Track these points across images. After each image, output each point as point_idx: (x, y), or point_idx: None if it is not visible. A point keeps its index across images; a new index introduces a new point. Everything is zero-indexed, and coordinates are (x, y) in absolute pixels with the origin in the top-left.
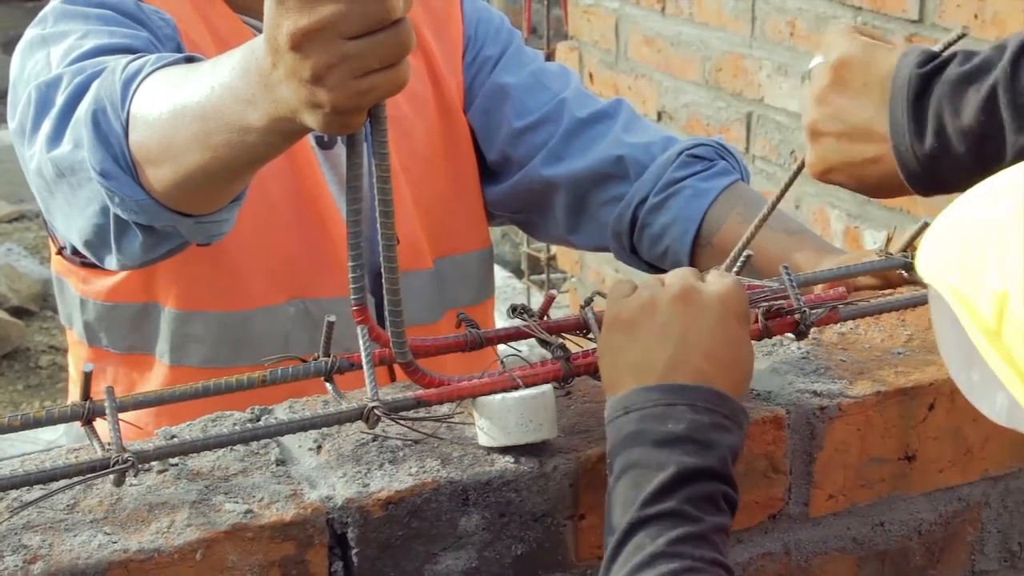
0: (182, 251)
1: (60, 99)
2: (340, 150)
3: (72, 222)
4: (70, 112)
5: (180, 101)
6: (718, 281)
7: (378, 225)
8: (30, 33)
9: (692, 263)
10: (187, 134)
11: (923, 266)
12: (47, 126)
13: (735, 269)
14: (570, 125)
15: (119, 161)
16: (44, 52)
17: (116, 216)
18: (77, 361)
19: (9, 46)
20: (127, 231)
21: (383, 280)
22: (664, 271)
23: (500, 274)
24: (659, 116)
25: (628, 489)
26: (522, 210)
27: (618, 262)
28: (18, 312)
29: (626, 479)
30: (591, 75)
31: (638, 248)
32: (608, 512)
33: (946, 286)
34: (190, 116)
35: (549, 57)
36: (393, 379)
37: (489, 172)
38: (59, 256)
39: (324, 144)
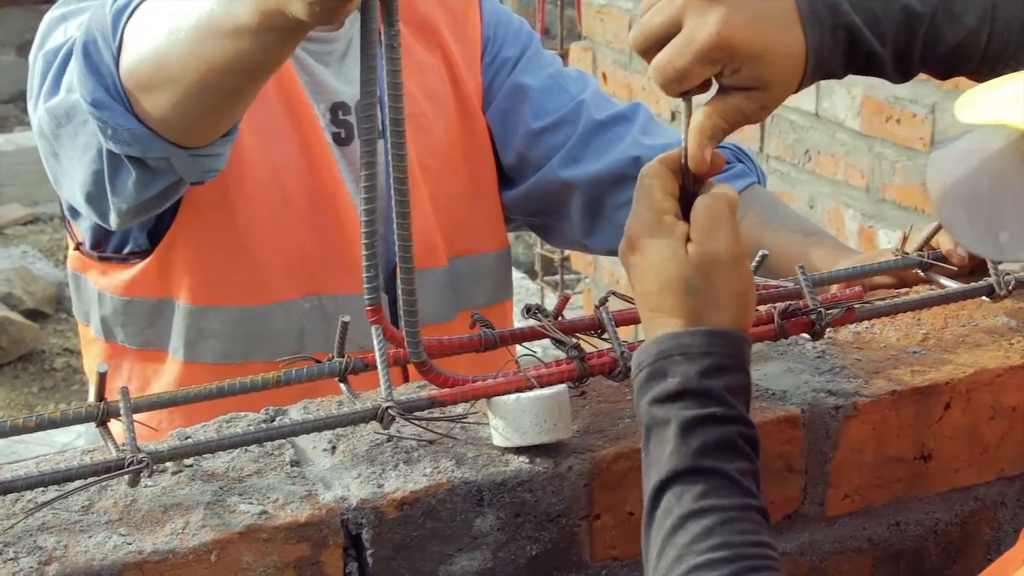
0: (177, 194)
1: (60, 56)
2: (356, 146)
3: (75, 177)
4: (67, 63)
5: (172, 20)
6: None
7: (394, 225)
8: (51, 14)
9: None
10: (181, 50)
11: (968, 113)
12: (47, 83)
13: (751, 268)
14: (588, 127)
15: (110, 91)
16: (62, 28)
17: (110, 153)
18: (91, 359)
19: (24, 48)
20: (120, 168)
21: (399, 280)
22: None
23: (514, 275)
24: (672, 116)
25: (647, 453)
26: (538, 213)
27: None
28: (33, 315)
29: (646, 442)
30: (605, 75)
31: None
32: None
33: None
34: (183, 31)
35: (562, 57)
36: (406, 380)
37: (505, 176)
38: (77, 252)
39: (341, 141)
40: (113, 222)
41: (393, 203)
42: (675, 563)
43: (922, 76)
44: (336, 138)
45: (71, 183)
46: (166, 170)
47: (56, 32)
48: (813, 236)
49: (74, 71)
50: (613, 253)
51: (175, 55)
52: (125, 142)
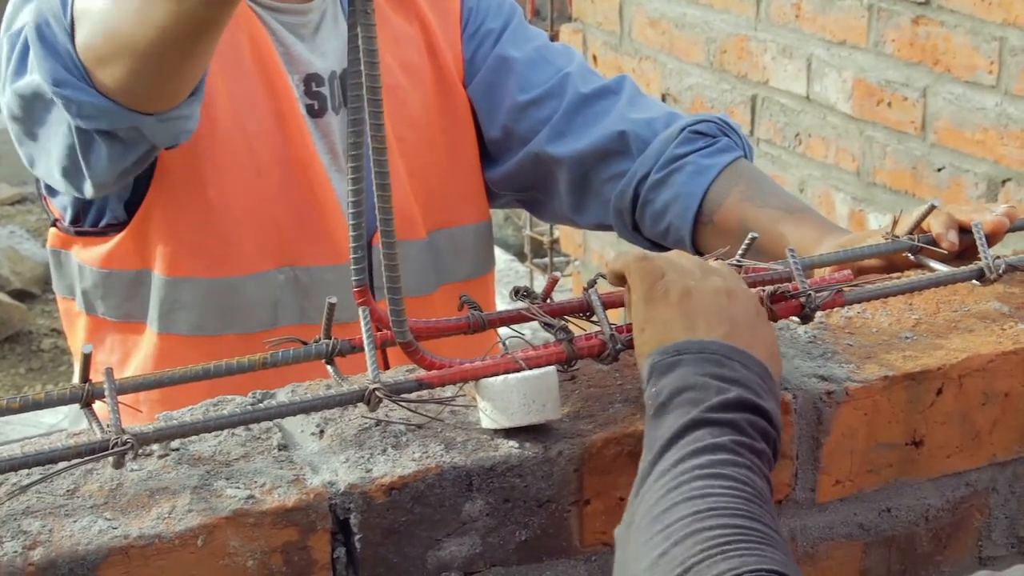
0: (151, 159)
1: (22, 37)
2: (330, 118)
3: (50, 155)
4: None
5: None
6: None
7: (375, 199)
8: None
9: (694, 240)
10: (128, 18)
11: None
12: (13, 65)
13: (740, 252)
14: (573, 100)
15: (69, 68)
16: (27, 8)
17: (79, 129)
18: (75, 334)
19: None
20: (92, 143)
21: (382, 261)
22: (666, 248)
23: (502, 257)
24: (663, 98)
25: (684, 404)
26: (527, 188)
27: (621, 245)
28: (20, 295)
29: (682, 398)
30: (595, 57)
31: (640, 225)
32: (651, 431)
33: None
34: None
35: (552, 39)
36: (387, 367)
37: (491, 151)
38: (55, 229)
39: (314, 113)
40: (90, 193)
41: (373, 175)
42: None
43: (915, 58)
44: (309, 110)
45: (47, 161)
46: (137, 139)
47: (22, 13)
48: (798, 213)
49: (32, 54)
50: (602, 227)
51: (124, 24)
52: (92, 117)
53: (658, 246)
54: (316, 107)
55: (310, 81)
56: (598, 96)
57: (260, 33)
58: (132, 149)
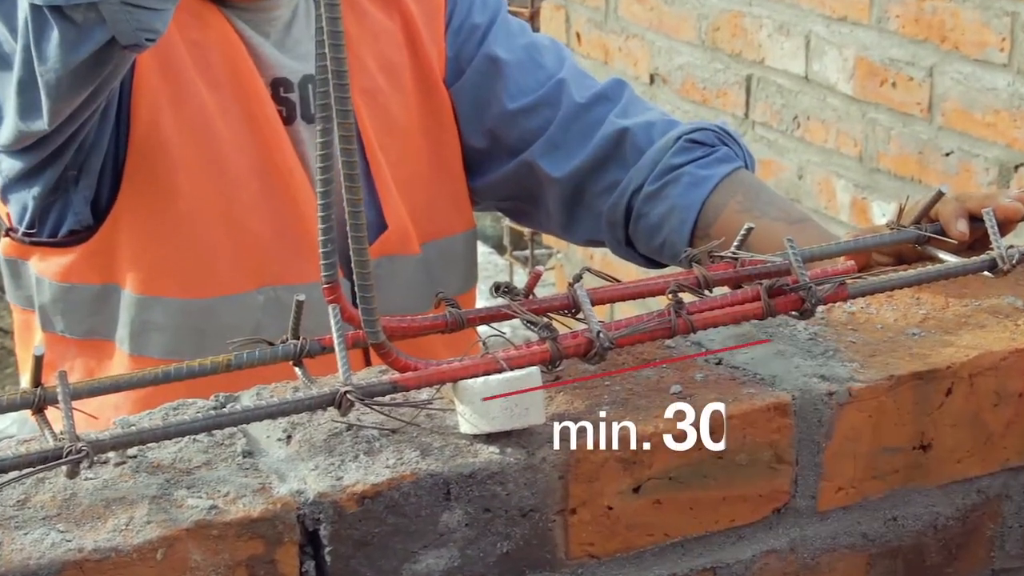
0: (110, 63)
1: None
2: (299, 126)
3: (7, 106)
4: None
5: None
6: None
7: (343, 190)
8: None
9: None
10: None
11: None
12: None
13: (735, 244)
14: (569, 111)
15: None
16: None
17: (33, 9)
18: (28, 350)
19: None
20: (44, 26)
21: (351, 252)
22: (661, 265)
23: (480, 250)
24: (652, 79)
25: None
26: (512, 198)
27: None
28: None
29: None
30: (579, 36)
31: (634, 240)
32: None
33: None
34: None
35: (533, 16)
36: (368, 365)
37: (472, 159)
38: (8, 238)
39: (283, 120)
40: (45, 107)
41: (340, 164)
42: None
43: (921, 34)
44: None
45: (5, 109)
46: (94, 25)
47: None
48: (798, 223)
49: None
50: (592, 244)
51: None
52: None
53: (652, 263)
54: (284, 114)
55: (278, 86)
56: (593, 104)
57: (229, 33)
58: (86, 38)
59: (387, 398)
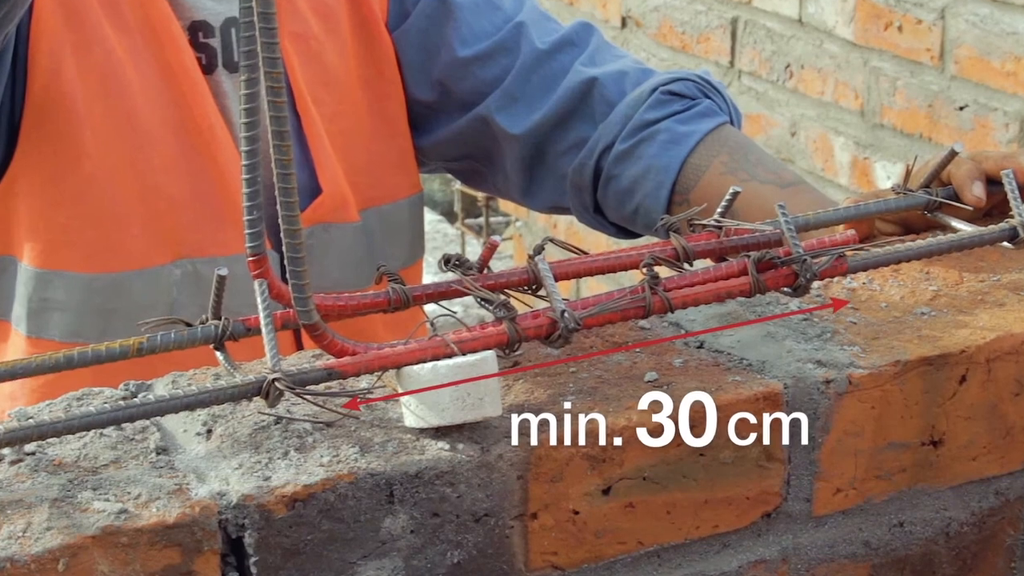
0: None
1: None
2: (221, 76)
3: None
4: None
5: None
6: None
7: (271, 149)
8: None
9: None
10: None
11: None
12: None
13: (718, 211)
14: (528, 58)
15: None
16: None
17: None
18: None
19: None
20: None
21: (280, 220)
22: (634, 235)
23: (429, 217)
24: (623, 23)
25: None
26: (464, 157)
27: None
28: None
29: None
30: None
31: (603, 206)
32: None
33: None
34: None
35: None
36: (300, 348)
37: (418, 114)
38: None
39: (202, 69)
40: None
41: (269, 121)
42: None
43: None
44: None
45: None
46: None
47: None
48: (790, 187)
49: None
50: (555, 211)
51: None
52: None
53: (624, 232)
54: (203, 62)
55: (196, 30)
56: (556, 50)
57: None
58: None
59: (321, 387)
